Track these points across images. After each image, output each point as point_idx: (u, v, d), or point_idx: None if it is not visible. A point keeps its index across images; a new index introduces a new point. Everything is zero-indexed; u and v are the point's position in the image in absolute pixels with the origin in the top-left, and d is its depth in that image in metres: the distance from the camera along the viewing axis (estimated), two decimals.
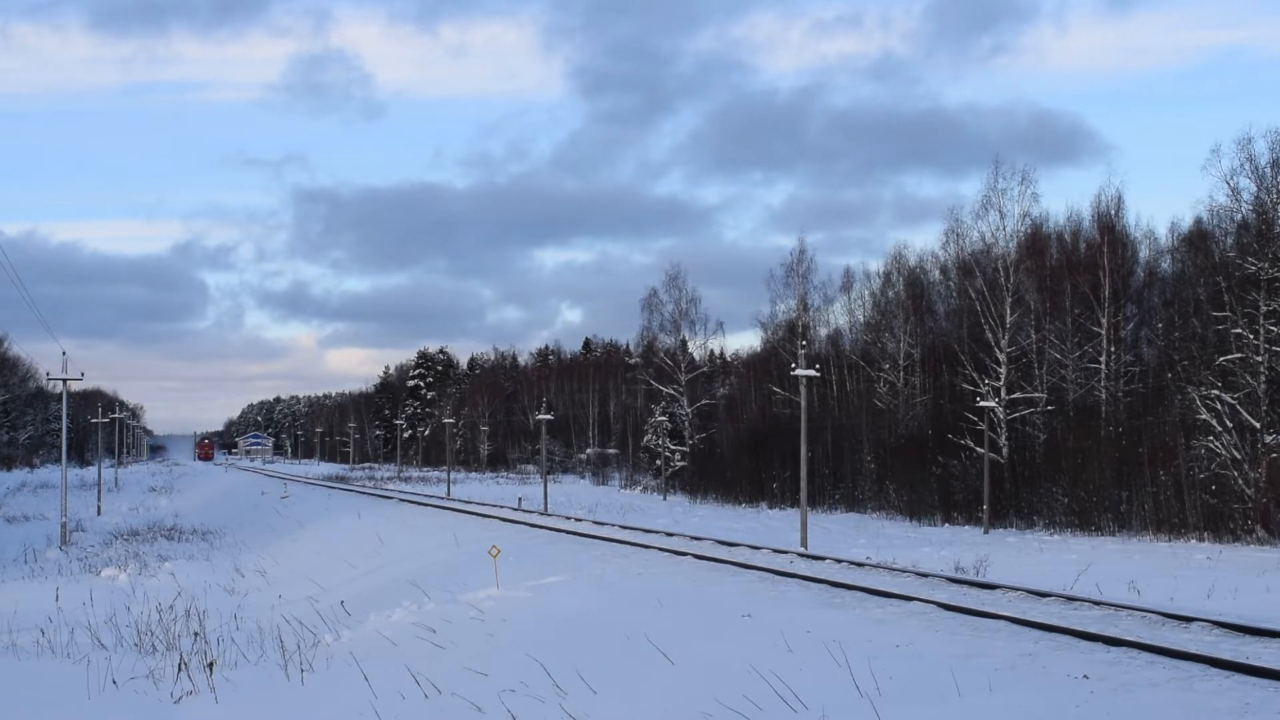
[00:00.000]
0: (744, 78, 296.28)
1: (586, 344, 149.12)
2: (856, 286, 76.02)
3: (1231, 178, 46.49)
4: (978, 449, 50.98)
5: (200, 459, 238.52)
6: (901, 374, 66.51)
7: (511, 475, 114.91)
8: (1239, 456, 42.24)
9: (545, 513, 52.93)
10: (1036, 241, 58.68)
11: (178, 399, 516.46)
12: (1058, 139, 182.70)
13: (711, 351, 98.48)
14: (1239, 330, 43.38)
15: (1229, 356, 43.33)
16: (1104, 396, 53.45)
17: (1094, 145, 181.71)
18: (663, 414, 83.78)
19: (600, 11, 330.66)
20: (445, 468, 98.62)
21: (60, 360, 54.05)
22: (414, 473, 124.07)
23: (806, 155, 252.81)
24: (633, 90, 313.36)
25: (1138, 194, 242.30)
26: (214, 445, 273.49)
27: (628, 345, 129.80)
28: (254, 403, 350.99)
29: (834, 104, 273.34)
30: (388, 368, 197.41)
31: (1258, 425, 42.14)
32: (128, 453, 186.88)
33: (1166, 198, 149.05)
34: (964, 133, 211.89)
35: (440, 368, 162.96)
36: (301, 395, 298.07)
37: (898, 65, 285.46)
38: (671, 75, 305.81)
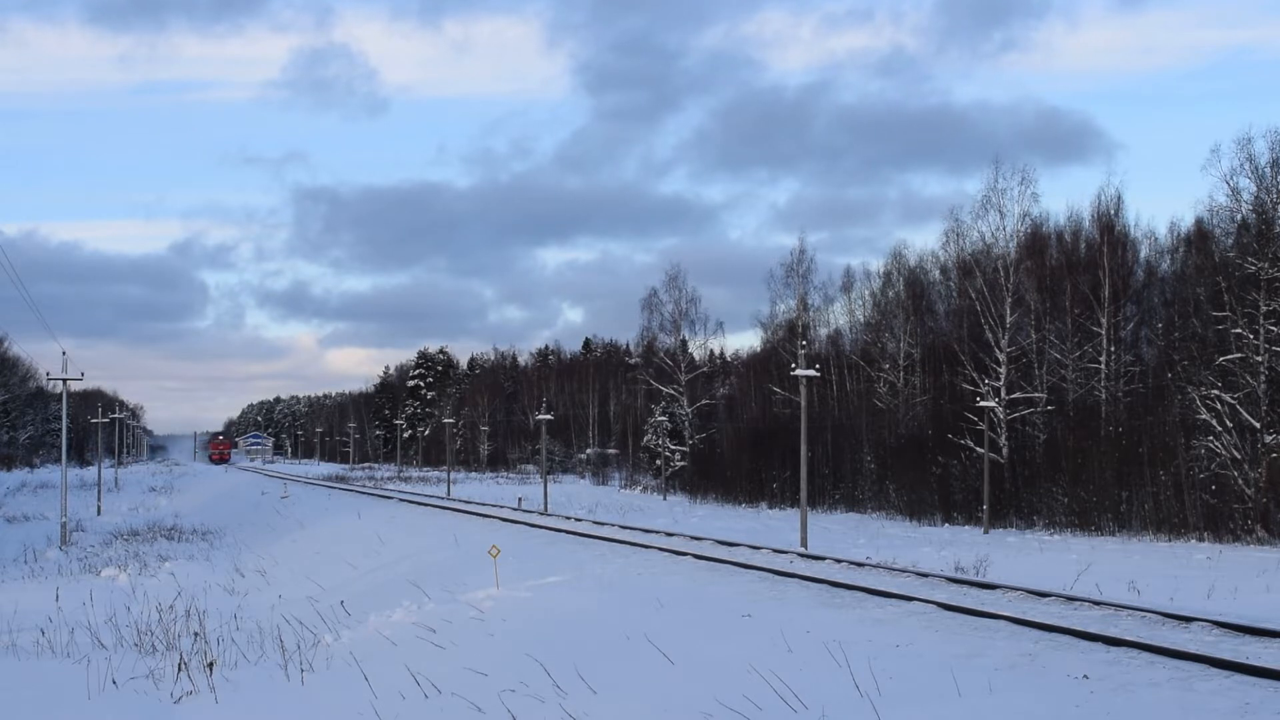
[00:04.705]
0: (752, 74, 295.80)
1: (587, 344, 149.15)
2: (857, 286, 76.15)
3: (1231, 178, 46.59)
4: (978, 449, 50.98)
5: (214, 461, 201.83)
6: (901, 374, 66.52)
7: (511, 475, 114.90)
8: (1239, 456, 42.24)
9: (545, 513, 52.94)
10: (1036, 241, 58.69)
11: (178, 399, 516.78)
12: (1065, 137, 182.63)
13: (711, 351, 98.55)
14: (1239, 330, 43.38)
15: (1229, 356, 43.33)
16: (1104, 396, 53.45)
17: (1101, 144, 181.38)
18: (663, 414, 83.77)
19: (606, 7, 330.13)
20: (445, 468, 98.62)
21: (60, 360, 54.08)
22: (414, 473, 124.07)
23: (812, 153, 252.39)
24: (638, 87, 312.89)
25: (1144, 194, 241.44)
26: (230, 445, 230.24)
27: (628, 345, 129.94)
28: (254, 403, 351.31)
29: (841, 100, 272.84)
30: (388, 368, 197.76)
31: (1258, 425, 42.14)
32: (128, 453, 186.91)
33: (1172, 197, 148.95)
34: (971, 130, 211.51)
35: (440, 368, 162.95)
36: (301, 395, 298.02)
37: (908, 61, 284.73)
38: (678, 71, 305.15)
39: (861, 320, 74.86)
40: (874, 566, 28.44)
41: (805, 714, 13.85)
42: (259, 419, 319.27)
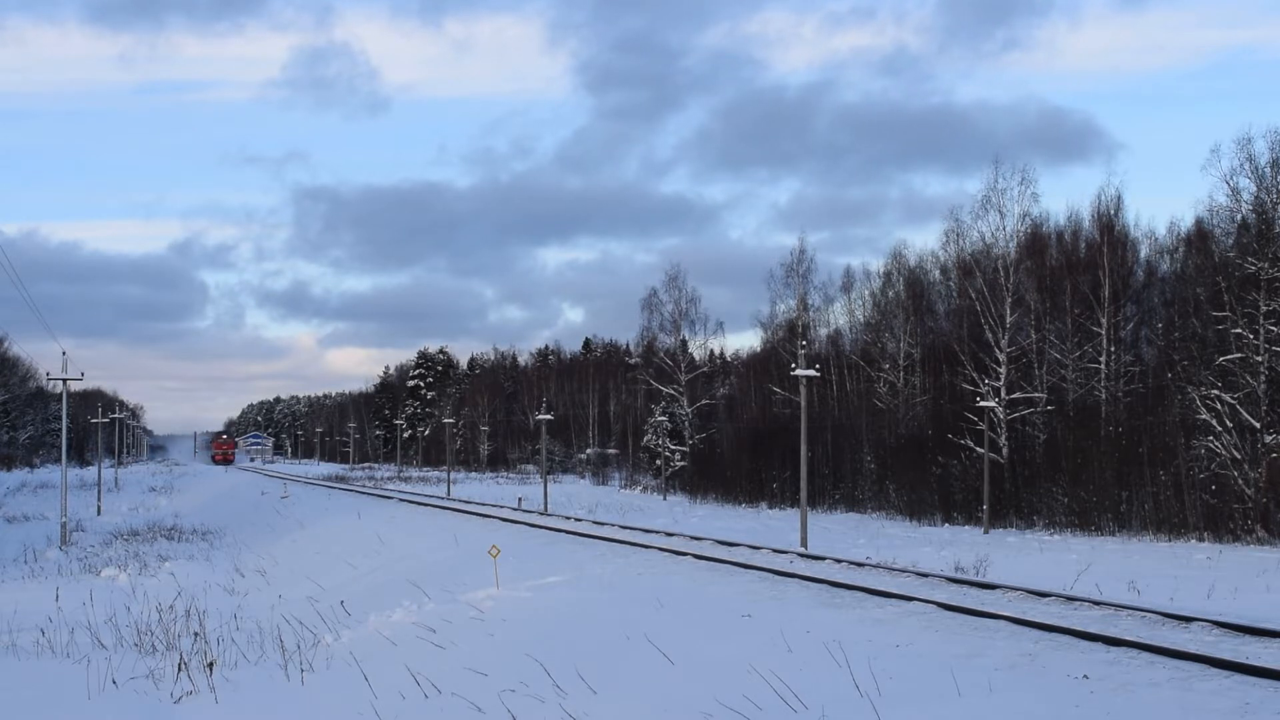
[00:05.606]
0: (754, 73, 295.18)
1: (586, 344, 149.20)
2: (857, 286, 76.14)
3: (1231, 178, 46.57)
4: (978, 449, 50.98)
5: (216, 462, 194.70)
6: (901, 374, 66.52)
7: (511, 475, 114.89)
8: (1239, 456, 42.23)
9: (545, 513, 52.95)
10: (1036, 241, 58.68)
11: (178, 399, 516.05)
12: (1066, 137, 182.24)
13: (711, 351, 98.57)
14: (1239, 330, 43.38)
15: (1229, 356, 43.32)
16: (1104, 396, 53.45)
17: (1102, 144, 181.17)
18: (663, 414, 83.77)
19: (607, 6, 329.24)
20: (445, 468, 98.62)
21: (60, 360, 54.06)
22: (414, 473, 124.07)
23: (813, 152, 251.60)
24: (639, 86, 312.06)
25: (1145, 194, 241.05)
26: (234, 445, 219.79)
27: (628, 345, 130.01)
28: (254, 403, 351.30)
29: (843, 100, 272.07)
30: (388, 368, 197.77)
31: (1258, 425, 42.13)
32: (128, 453, 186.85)
33: (1172, 197, 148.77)
34: (973, 130, 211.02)
35: (440, 368, 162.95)
36: (301, 395, 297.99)
37: (910, 60, 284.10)
38: (680, 70, 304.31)
39: (861, 320, 74.93)
40: (874, 566, 28.44)
41: (805, 714, 13.85)
42: (259, 419, 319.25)
